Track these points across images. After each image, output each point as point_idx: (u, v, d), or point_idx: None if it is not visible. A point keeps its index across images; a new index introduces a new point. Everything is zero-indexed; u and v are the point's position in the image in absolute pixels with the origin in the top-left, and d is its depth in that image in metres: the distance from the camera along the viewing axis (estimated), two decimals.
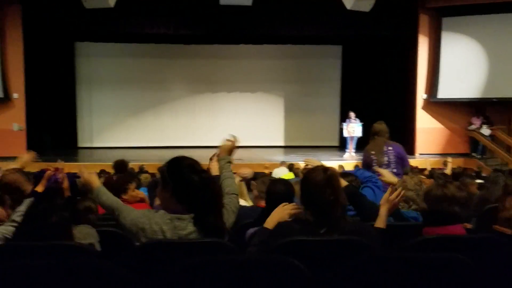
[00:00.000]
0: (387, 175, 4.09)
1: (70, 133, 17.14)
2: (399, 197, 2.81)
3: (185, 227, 2.29)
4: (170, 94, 17.99)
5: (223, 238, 2.34)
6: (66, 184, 3.64)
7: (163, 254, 2.20)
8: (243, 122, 17.74)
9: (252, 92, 18.16)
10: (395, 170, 5.62)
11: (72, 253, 2.35)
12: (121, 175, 5.58)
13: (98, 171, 9.37)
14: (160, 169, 2.44)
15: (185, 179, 2.32)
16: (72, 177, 4.85)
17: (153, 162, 11.27)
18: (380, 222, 2.73)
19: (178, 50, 17.54)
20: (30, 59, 14.11)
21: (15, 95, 13.87)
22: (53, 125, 16.03)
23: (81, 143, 17.42)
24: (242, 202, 4.29)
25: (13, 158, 14.00)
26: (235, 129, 19.00)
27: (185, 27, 14.54)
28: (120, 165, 7.27)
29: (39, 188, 3.58)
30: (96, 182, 2.79)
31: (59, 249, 2.34)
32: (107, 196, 2.69)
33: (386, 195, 2.84)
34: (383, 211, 2.76)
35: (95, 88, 17.57)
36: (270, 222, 2.64)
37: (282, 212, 2.65)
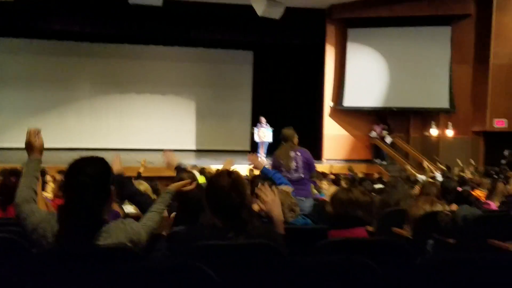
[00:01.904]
0: (255, 162, 4.27)
1: None
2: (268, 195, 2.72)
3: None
4: (76, 94, 17.26)
5: (93, 242, 2.20)
6: None
7: (63, 262, 2.08)
8: (153, 125, 17.45)
9: (163, 95, 17.88)
10: (302, 175, 5.78)
11: None
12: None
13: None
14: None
15: (73, 181, 2.23)
16: None
17: (56, 165, 10.71)
18: (277, 227, 2.67)
19: (85, 48, 16.86)
20: None
21: None
22: None
23: None
24: None
25: None
26: (146, 132, 18.75)
27: (92, 25, 14.01)
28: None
29: None
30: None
31: None
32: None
33: (265, 198, 2.70)
34: (273, 215, 2.67)
35: None
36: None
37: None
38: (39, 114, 16.82)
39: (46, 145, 2.67)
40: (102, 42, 16.52)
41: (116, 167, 3.64)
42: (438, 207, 4.90)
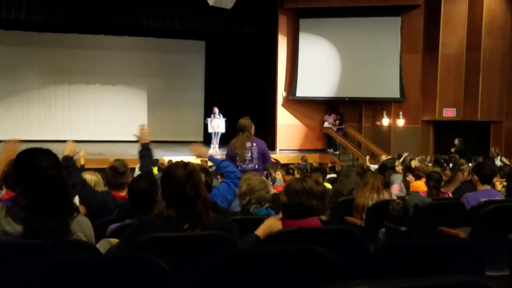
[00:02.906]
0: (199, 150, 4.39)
1: None
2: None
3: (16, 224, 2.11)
4: (22, 84, 16.66)
5: (63, 237, 2.16)
6: None
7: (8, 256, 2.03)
8: (104, 115, 17.11)
9: (113, 85, 17.51)
10: (257, 166, 5.77)
11: None
12: None
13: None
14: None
15: (28, 174, 2.15)
16: None
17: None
18: (260, 232, 2.74)
19: (32, 37, 16.29)
20: None
21: None
22: None
23: None
24: None
25: None
26: (96, 123, 18.30)
27: (38, 13, 13.41)
28: None
29: None
30: None
31: None
32: None
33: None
34: (267, 225, 2.77)
35: None
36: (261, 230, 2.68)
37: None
38: None
39: None
40: (50, 31, 15.98)
41: (68, 150, 3.55)
42: (385, 195, 5.03)
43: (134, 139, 4.18)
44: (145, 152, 4.04)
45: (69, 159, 3.77)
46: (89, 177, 4.18)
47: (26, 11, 13.23)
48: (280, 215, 2.78)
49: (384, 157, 10.55)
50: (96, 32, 16.37)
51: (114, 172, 3.88)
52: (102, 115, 17.09)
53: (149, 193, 3.02)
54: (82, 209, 3.55)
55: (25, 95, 16.76)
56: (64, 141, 4.02)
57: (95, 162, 9.72)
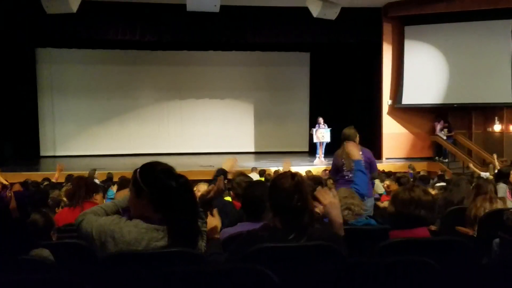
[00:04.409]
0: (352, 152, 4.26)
1: (32, 141, 16.67)
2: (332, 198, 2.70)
3: (161, 238, 2.19)
4: (136, 101, 17.77)
5: (195, 247, 2.27)
6: (13, 204, 3.47)
7: (128, 266, 2.13)
8: (213, 129, 17.72)
9: (221, 99, 18.12)
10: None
11: (31, 267, 2.27)
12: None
13: (63, 180, 9.18)
14: (133, 176, 2.32)
15: (162, 185, 2.22)
16: (21, 195, 4.55)
17: (121, 170, 11.09)
18: (336, 228, 2.64)
19: (145, 56, 17.35)
20: None
21: None
22: (15, 134, 15.62)
23: (43, 152, 16.98)
24: None
25: None
26: (205, 136, 19.06)
27: (152, 33, 14.31)
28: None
29: None
30: None
31: (18, 264, 2.26)
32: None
33: (323, 200, 2.69)
34: (331, 217, 2.66)
35: (58, 95, 17.17)
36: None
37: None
38: (101, 122, 17.47)
39: (110, 152, 2.77)
40: (161, 49, 16.90)
41: (226, 165, 3.84)
42: (498, 204, 4.73)
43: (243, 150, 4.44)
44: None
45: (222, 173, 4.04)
46: (203, 187, 4.47)
47: (140, 32, 14.16)
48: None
49: (497, 164, 9.89)
50: (204, 49, 17.05)
51: (238, 185, 4.35)
52: (211, 128, 17.70)
53: (262, 200, 3.06)
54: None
55: (139, 111, 17.80)
56: (176, 155, 4.31)
57: (206, 174, 10.12)
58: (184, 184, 2.26)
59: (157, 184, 2.22)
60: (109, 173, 11.15)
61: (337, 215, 2.64)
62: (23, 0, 12.64)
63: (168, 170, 2.28)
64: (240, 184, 4.37)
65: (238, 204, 4.08)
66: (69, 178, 8.94)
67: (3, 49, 14.72)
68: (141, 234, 2.17)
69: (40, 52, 16.92)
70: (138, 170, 2.30)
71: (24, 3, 12.65)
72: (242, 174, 4.81)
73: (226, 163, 3.74)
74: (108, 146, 17.01)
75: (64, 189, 6.40)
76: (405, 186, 2.90)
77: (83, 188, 4.31)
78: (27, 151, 15.97)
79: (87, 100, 17.34)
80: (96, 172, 10.62)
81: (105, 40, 14.95)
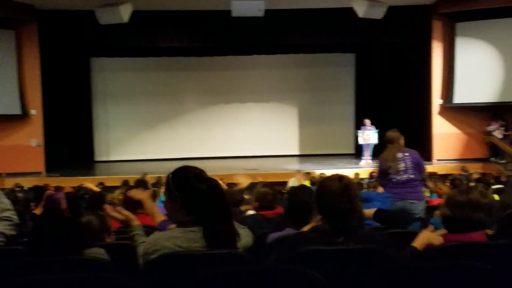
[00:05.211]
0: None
1: (87, 147, 17.26)
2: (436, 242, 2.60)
3: (198, 239, 2.23)
4: (183, 106, 18.10)
5: (235, 248, 2.29)
6: (64, 204, 3.60)
7: (177, 267, 2.17)
8: (257, 132, 17.78)
9: (266, 102, 18.17)
10: (412, 176, 5.63)
11: (85, 267, 2.34)
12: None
13: (119, 184, 9.41)
14: (165, 182, 2.38)
15: (193, 189, 2.27)
16: (73, 196, 4.78)
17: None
18: (417, 243, 2.58)
19: (191, 62, 17.63)
20: (47, 75, 14.29)
21: (33, 112, 14.02)
22: (70, 140, 16.19)
23: (97, 157, 17.55)
24: None
25: (31, 174, 14.10)
26: (249, 139, 19.21)
27: (198, 40, 14.60)
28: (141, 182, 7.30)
29: (38, 211, 3.54)
30: (134, 220, 2.77)
31: (72, 264, 2.33)
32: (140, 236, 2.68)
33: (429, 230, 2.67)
34: (424, 236, 2.59)
35: (111, 102, 17.74)
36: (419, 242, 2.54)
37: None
38: (151, 127, 17.89)
39: (159, 156, 2.84)
40: (207, 55, 17.13)
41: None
42: None
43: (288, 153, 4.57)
44: None
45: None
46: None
47: (187, 39, 14.50)
48: (431, 227, 2.65)
49: None
50: (248, 53, 17.18)
51: (263, 197, 4.46)
52: (256, 131, 17.78)
53: (307, 204, 3.08)
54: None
55: (185, 116, 18.11)
56: (223, 158, 4.41)
57: (250, 177, 10.14)
58: (215, 187, 2.30)
59: (189, 189, 2.27)
60: (158, 177, 11.35)
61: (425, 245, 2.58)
62: (78, 12, 13.13)
63: (198, 174, 2.33)
64: (266, 194, 4.47)
65: (265, 213, 4.29)
66: (125, 182, 9.18)
67: (61, 60, 15.37)
68: (178, 238, 2.22)
69: (94, 62, 17.51)
70: (170, 175, 2.36)
71: (79, 15, 13.15)
72: (266, 185, 4.90)
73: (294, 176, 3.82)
74: (158, 150, 17.35)
75: (118, 191, 6.58)
76: (461, 188, 2.79)
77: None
78: (82, 157, 16.53)
79: (138, 106, 17.80)
80: (147, 176, 10.85)
81: (154, 48, 15.35)
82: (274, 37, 14.63)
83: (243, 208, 5.24)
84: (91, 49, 16.31)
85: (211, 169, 2.34)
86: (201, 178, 2.30)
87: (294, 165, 14.20)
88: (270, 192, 4.53)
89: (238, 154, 17.20)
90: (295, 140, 18.35)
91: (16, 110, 13.76)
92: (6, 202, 3.02)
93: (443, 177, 10.41)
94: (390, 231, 3.10)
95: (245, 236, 2.39)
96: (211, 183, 2.30)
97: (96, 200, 4.60)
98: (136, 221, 2.73)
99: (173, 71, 17.82)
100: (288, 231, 3.04)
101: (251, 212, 4.72)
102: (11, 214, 2.99)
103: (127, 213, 2.78)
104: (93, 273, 2.17)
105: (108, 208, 2.88)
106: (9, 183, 11.78)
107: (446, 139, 14.78)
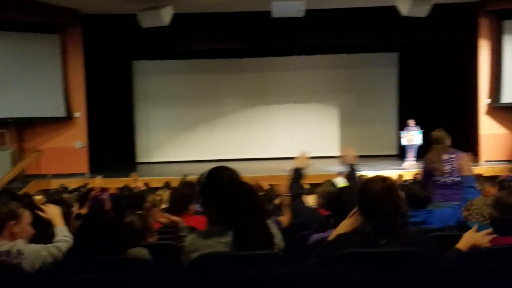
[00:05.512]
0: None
1: (129, 149, 17.58)
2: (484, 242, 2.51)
3: (227, 243, 2.22)
4: (224, 108, 18.19)
5: (272, 249, 2.27)
6: (108, 205, 3.66)
7: (216, 268, 2.17)
8: (298, 133, 17.68)
9: (306, 103, 18.07)
10: (458, 179, 5.45)
11: (128, 266, 2.36)
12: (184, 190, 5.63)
13: (162, 184, 9.53)
14: (198, 182, 2.40)
15: (226, 194, 2.26)
16: (116, 197, 4.86)
17: None
18: (462, 245, 2.49)
19: (231, 64, 17.73)
20: (91, 79, 14.66)
21: (77, 114, 14.41)
22: (113, 142, 16.57)
23: (139, 159, 17.85)
24: None
25: (75, 175, 14.45)
26: (290, 140, 19.08)
27: (238, 41, 14.66)
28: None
29: (83, 210, 3.62)
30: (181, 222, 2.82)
31: (115, 264, 2.36)
32: None
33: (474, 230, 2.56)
34: (469, 238, 2.50)
35: (152, 104, 18.01)
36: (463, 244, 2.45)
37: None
38: (191, 129, 18.07)
39: (199, 158, 2.87)
40: (247, 57, 17.19)
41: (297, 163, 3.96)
42: None
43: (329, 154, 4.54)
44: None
45: (297, 171, 4.29)
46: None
47: (227, 41, 14.59)
48: (475, 227, 2.54)
49: None
50: (289, 54, 17.12)
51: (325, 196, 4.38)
52: (296, 133, 17.68)
53: (349, 206, 3.04)
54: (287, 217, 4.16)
55: (225, 118, 18.18)
56: (262, 160, 4.41)
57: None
58: (248, 190, 2.29)
59: (222, 193, 2.27)
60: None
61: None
62: (120, 16, 13.42)
63: (231, 177, 2.33)
64: (325, 192, 4.36)
65: (323, 212, 4.16)
66: (167, 184, 9.28)
67: (103, 64, 15.74)
68: (211, 240, 2.23)
69: (136, 65, 17.83)
70: (202, 180, 2.36)
71: (121, 19, 13.42)
72: (327, 181, 4.81)
73: (297, 160, 3.79)
74: (198, 152, 17.50)
75: (163, 192, 6.65)
76: (510, 189, 2.69)
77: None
78: (124, 158, 16.85)
79: (178, 108, 18.02)
80: (188, 177, 10.92)
81: (195, 50, 15.53)
82: (315, 37, 14.54)
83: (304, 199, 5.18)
84: (133, 53, 16.64)
85: (252, 171, 2.33)
86: (233, 183, 2.31)
87: (335, 167, 14.05)
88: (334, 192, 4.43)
89: (278, 155, 17.15)
90: (337, 141, 18.16)
91: (61, 112, 14.18)
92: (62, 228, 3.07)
93: (491, 178, 10.06)
94: (433, 234, 3.01)
95: (279, 236, 2.38)
96: (244, 187, 2.30)
97: (137, 200, 4.65)
98: (182, 223, 2.77)
99: (212, 73, 17.94)
100: (331, 232, 3.00)
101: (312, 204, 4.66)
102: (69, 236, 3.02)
103: (173, 218, 2.84)
104: (135, 272, 2.19)
105: (156, 213, 2.96)
106: (55, 184, 12.13)
107: (494, 140, 14.34)
